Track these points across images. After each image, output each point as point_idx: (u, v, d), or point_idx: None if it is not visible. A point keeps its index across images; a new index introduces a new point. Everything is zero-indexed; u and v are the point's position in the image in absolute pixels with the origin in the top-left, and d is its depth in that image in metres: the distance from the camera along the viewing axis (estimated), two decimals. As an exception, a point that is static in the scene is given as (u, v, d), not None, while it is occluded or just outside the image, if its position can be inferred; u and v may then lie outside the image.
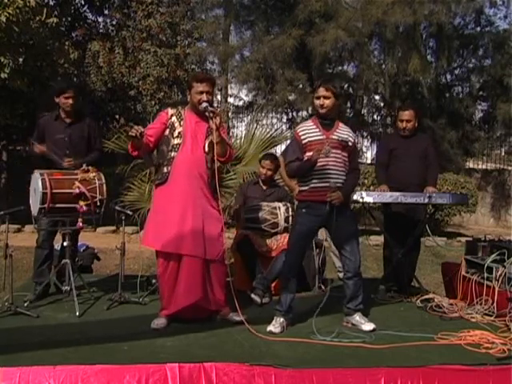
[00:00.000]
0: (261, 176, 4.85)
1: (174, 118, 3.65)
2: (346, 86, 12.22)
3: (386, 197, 4.31)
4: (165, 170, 3.59)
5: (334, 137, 3.57)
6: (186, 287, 3.51)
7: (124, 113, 11.29)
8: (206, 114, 3.54)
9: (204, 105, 3.55)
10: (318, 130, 3.58)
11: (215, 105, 3.75)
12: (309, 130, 3.59)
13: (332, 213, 3.48)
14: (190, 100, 3.66)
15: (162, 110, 3.79)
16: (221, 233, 3.63)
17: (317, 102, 3.57)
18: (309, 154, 3.55)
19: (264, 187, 4.82)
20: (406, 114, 4.66)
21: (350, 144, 3.64)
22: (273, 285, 4.44)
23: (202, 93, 3.57)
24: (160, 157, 3.66)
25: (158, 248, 3.57)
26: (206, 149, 3.60)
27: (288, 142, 10.35)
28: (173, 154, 3.58)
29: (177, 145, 3.58)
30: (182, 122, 3.62)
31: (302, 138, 3.58)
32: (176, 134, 3.60)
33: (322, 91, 3.56)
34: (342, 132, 3.62)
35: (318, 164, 3.52)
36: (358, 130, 11.84)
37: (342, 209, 3.56)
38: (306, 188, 3.59)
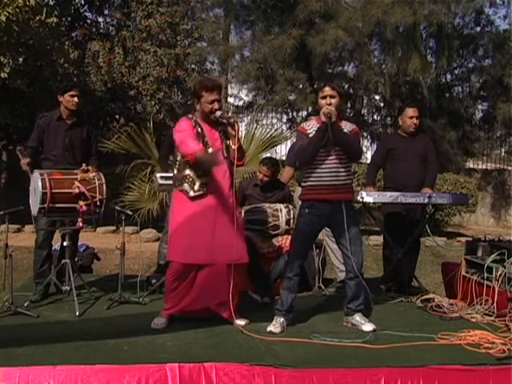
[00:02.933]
0: (258, 180, 4.83)
1: (197, 127, 3.58)
2: (346, 86, 12.21)
3: (386, 197, 4.31)
4: (204, 180, 3.51)
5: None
6: (210, 292, 3.52)
7: (124, 113, 11.28)
8: (223, 121, 3.54)
9: (218, 113, 3.54)
10: None
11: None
12: (314, 127, 3.59)
13: (335, 210, 3.49)
14: (201, 109, 3.60)
15: (179, 121, 3.69)
16: (242, 237, 3.65)
17: (322, 101, 3.55)
18: None
19: (263, 190, 4.79)
20: (414, 111, 4.69)
21: (351, 132, 3.62)
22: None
23: (212, 102, 3.54)
24: (189, 167, 3.54)
25: (196, 261, 3.51)
26: (225, 154, 3.60)
27: (288, 142, 10.40)
28: None
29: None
30: (203, 132, 3.58)
31: (309, 132, 3.58)
32: (205, 143, 3.55)
33: (328, 90, 3.55)
34: (345, 128, 3.61)
35: (321, 161, 3.53)
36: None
37: (347, 208, 3.56)
38: (308, 186, 3.61)
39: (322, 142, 3.47)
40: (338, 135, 3.50)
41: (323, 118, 3.45)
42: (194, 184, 3.53)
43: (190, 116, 3.65)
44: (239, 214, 3.74)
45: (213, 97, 3.54)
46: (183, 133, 3.55)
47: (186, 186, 3.54)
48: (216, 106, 3.54)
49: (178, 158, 3.61)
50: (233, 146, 3.53)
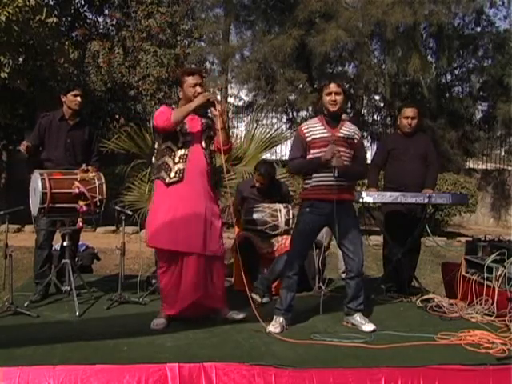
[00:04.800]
0: (254, 181, 4.80)
1: None
2: (346, 85, 12.22)
3: (385, 197, 4.31)
4: (180, 166, 3.53)
5: (339, 134, 3.56)
6: (192, 284, 3.52)
7: (124, 113, 11.27)
8: (208, 104, 3.54)
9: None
10: (323, 127, 3.57)
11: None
12: (313, 128, 3.58)
13: (336, 209, 3.49)
14: (183, 95, 3.63)
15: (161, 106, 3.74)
16: (221, 229, 3.66)
17: (327, 98, 3.54)
18: (313, 151, 3.55)
19: (260, 192, 4.76)
20: (411, 111, 4.67)
21: (355, 141, 3.63)
22: (273, 285, 4.44)
23: (195, 85, 3.57)
24: (167, 153, 3.58)
25: (171, 247, 3.51)
26: (204, 144, 3.61)
27: (288, 142, 10.39)
28: (184, 151, 3.55)
29: (187, 142, 3.56)
30: (184, 119, 3.58)
31: (307, 135, 3.57)
32: (184, 131, 3.56)
33: (333, 87, 3.53)
34: (348, 129, 3.62)
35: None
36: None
37: (346, 208, 3.57)
38: (308, 186, 3.60)
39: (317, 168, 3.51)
40: (346, 175, 3.53)
41: (328, 156, 3.44)
42: (171, 171, 3.54)
43: (173, 106, 3.68)
44: (221, 205, 3.76)
45: (195, 80, 3.59)
46: (159, 110, 3.59)
47: (162, 173, 3.57)
48: (199, 89, 3.56)
49: (156, 146, 3.65)
50: (218, 126, 3.54)
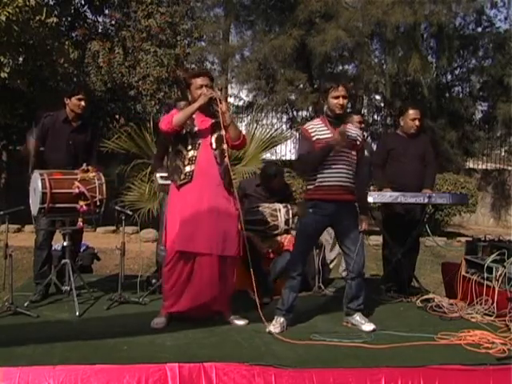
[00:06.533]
0: (259, 181, 4.78)
1: None
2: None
3: (385, 197, 4.31)
4: (188, 168, 3.55)
5: None
6: (205, 285, 3.52)
7: (124, 113, 11.27)
8: (211, 103, 3.54)
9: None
10: (326, 128, 3.57)
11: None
12: (317, 128, 3.58)
13: (339, 211, 3.52)
14: (191, 97, 3.65)
15: (166, 110, 3.77)
16: (238, 230, 3.63)
17: (335, 101, 3.53)
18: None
19: (267, 191, 4.76)
20: (417, 113, 4.66)
21: (358, 143, 3.63)
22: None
23: (201, 86, 3.59)
24: (178, 155, 3.61)
25: (183, 249, 3.50)
26: (214, 145, 3.60)
27: (288, 142, 10.39)
28: (193, 153, 3.56)
29: (196, 143, 3.57)
30: (194, 121, 3.59)
31: (312, 134, 3.56)
32: (193, 132, 3.58)
33: (342, 91, 3.53)
34: (351, 131, 3.62)
35: (329, 163, 3.52)
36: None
37: (349, 208, 3.57)
38: (312, 187, 3.60)
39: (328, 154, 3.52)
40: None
41: (340, 140, 3.46)
42: (181, 173, 3.57)
43: (182, 106, 3.69)
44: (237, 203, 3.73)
45: (201, 81, 3.60)
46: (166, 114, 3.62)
47: (175, 176, 3.61)
48: (204, 90, 3.57)
49: (170, 150, 3.67)
50: (225, 123, 3.53)
